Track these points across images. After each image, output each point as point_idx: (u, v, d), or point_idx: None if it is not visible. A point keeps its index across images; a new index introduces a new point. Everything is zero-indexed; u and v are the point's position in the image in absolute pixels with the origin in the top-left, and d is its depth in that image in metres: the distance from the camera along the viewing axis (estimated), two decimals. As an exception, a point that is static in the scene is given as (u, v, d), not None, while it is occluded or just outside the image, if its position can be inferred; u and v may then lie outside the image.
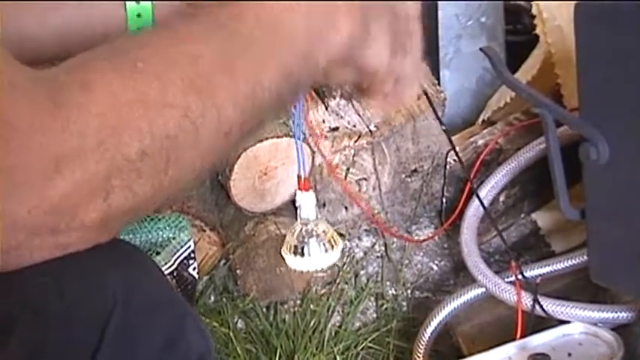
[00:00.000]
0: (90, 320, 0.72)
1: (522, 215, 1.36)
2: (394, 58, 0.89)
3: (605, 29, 1.06)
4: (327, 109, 1.32)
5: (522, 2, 1.61)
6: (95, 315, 0.71)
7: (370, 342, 1.31)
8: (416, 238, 1.36)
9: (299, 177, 0.91)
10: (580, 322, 1.16)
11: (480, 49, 1.19)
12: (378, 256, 1.38)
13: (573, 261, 1.19)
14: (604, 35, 1.07)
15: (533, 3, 1.41)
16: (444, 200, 1.37)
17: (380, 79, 0.91)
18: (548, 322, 1.18)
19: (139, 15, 1.06)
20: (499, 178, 1.28)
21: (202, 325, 0.78)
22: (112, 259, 0.75)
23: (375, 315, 1.35)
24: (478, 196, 1.26)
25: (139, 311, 0.73)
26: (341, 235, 1.34)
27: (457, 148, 1.32)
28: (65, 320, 0.71)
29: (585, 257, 1.16)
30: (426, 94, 1.33)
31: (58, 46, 1.08)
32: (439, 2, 1.50)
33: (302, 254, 0.97)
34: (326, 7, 0.83)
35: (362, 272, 1.37)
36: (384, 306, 1.35)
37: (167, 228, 1.12)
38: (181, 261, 1.14)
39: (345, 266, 1.36)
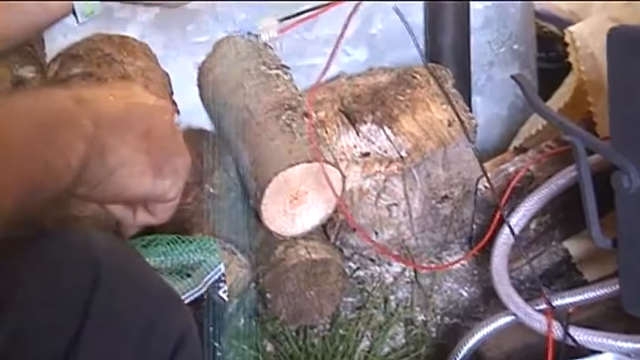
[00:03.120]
0: (72, 302, 0.71)
1: (553, 243, 1.36)
2: (158, 181, 0.86)
3: (636, 56, 1.06)
4: (358, 134, 1.32)
5: (555, 30, 1.62)
6: (78, 296, 0.71)
7: (399, 367, 1.30)
8: (446, 263, 1.36)
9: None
10: (612, 353, 1.14)
11: (512, 76, 1.21)
12: (407, 282, 1.37)
13: (605, 290, 1.18)
14: (637, 63, 1.07)
15: (566, 30, 1.41)
16: (475, 227, 1.36)
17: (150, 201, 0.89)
18: (579, 352, 1.17)
19: None
20: (530, 205, 1.28)
21: (183, 304, 0.80)
22: (94, 244, 0.75)
23: (404, 340, 1.35)
24: (509, 224, 1.25)
25: (121, 293, 0.73)
26: (371, 260, 1.35)
27: (488, 175, 1.33)
28: (47, 302, 0.72)
29: (618, 286, 1.14)
30: (460, 120, 1.34)
31: (3, 42, 1.08)
32: (471, 29, 1.50)
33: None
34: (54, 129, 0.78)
35: (391, 297, 1.36)
36: (414, 332, 1.35)
37: (198, 251, 1.11)
38: (212, 284, 1.14)
39: (374, 291, 1.35)
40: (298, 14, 1.26)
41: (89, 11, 1.08)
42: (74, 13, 1.08)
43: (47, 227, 0.86)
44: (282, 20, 1.26)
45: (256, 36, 1.43)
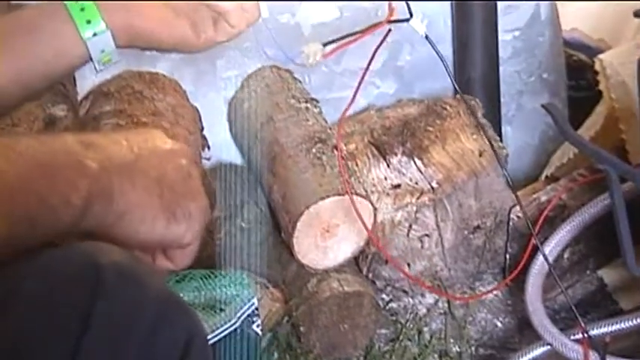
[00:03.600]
0: (75, 305, 0.70)
1: (588, 272, 1.35)
2: (172, 226, 0.86)
3: None
4: (388, 166, 1.32)
5: (584, 58, 1.62)
6: (80, 300, 0.70)
7: (434, 399, 1.29)
8: (479, 293, 1.36)
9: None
10: (648, 382, 1.13)
11: (542, 105, 1.21)
12: (441, 313, 1.36)
13: (642, 319, 1.17)
14: None
15: (596, 59, 1.42)
16: (508, 257, 1.35)
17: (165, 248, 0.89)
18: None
19: (88, 22, 1.05)
20: (563, 234, 1.28)
21: (188, 309, 0.77)
22: (95, 250, 0.74)
23: (439, 372, 1.34)
24: (543, 253, 1.25)
25: (125, 297, 0.72)
26: (404, 291, 1.34)
27: (521, 205, 1.32)
28: (48, 310, 0.70)
29: (654, 315, 1.13)
30: (493, 149, 1.34)
31: (22, 90, 1.06)
32: (500, 59, 1.50)
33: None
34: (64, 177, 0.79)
35: (425, 329, 1.35)
36: (449, 363, 1.34)
37: (231, 285, 1.11)
38: (245, 318, 1.14)
39: (408, 323, 1.34)
40: (341, 38, 1.28)
41: (106, 59, 1.09)
42: (92, 60, 1.09)
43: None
44: (326, 45, 1.26)
45: (290, 71, 1.44)
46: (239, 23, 1.15)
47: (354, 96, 1.28)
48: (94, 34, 1.06)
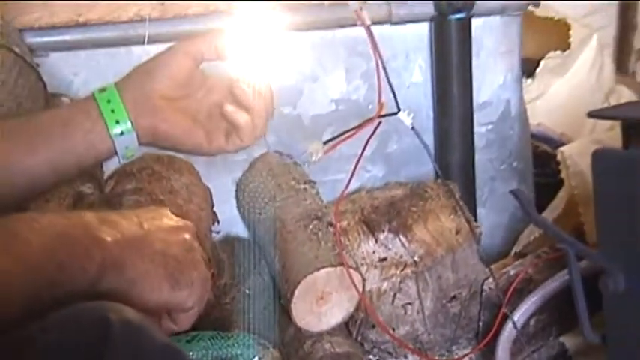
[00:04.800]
0: (86, 356, 0.69)
1: (551, 338, 1.33)
2: (176, 292, 0.87)
3: (618, 175, 1.07)
4: (376, 241, 1.32)
5: (548, 149, 1.61)
6: (91, 352, 0.69)
7: None
8: (455, 356, 1.34)
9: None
10: None
11: (511, 191, 1.20)
12: (422, 373, 1.34)
13: (598, 381, 1.16)
14: (617, 180, 1.07)
15: (559, 151, 1.43)
16: (481, 323, 1.34)
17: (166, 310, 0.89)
18: None
19: (117, 122, 1.06)
20: (529, 304, 1.27)
21: None
22: (105, 306, 0.73)
23: None
24: (512, 320, 1.26)
25: (132, 349, 0.72)
26: (389, 353, 1.33)
27: (493, 277, 1.32)
28: (63, 355, 0.69)
29: (610, 378, 1.12)
30: (470, 228, 1.35)
31: (55, 176, 1.06)
32: (475, 149, 1.50)
33: None
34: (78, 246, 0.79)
35: (408, 387, 1.34)
36: (429, 419, 1.31)
37: (236, 345, 1.10)
38: (248, 374, 1.13)
39: (392, 382, 1.33)
40: (339, 136, 1.30)
41: (130, 155, 1.10)
42: (117, 154, 1.10)
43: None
44: (325, 143, 1.29)
45: (290, 156, 1.44)
46: (248, 139, 1.13)
47: (350, 180, 1.27)
48: (121, 133, 1.05)
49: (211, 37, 1.10)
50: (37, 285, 0.76)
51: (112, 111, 1.05)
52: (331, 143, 1.25)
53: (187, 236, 0.93)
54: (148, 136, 1.08)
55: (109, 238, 0.82)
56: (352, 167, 1.32)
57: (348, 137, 1.25)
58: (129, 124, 1.05)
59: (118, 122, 1.05)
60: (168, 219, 0.94)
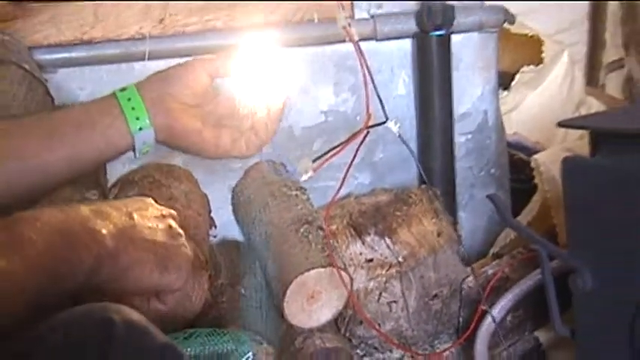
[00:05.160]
0: (91, 355, 0.70)
1: (526, 333, 1.33)
2: (164, 276, 0.90)
3: (586, 180, 1.08)
4: (363, 244, 1.32)
5: (524, 157, 1.60)
6: (96, 351, 0.70)
7: None
8: (437, 350, 1.33)
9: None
10: None
11: (487, 196, 1.20)
12: (406, 366, 1.34)
13: (570, 373, 1.16)
14: (585, 185, 1.08)
15: (532, 158, 1.43)
16: (461, 320, 1.34)
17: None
18: None
19: (137, 118, 1.08)
20: (506, 301, 1.28)
21: (186, 355, 0.78)
22: (109, 308, 0.74)
23: (404, 418, 1.32)
24: (492, 315, 1.26)
25: (133, 347, 0.73)
26: (375, 348, 1.33)
27: (472, 276, 1.33)
28: (69, 355, 0.70)
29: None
30: (452, 232, 1.35)
31: (72, 172, 1.08)
32: (456, 157, 1.50)
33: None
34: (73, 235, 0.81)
35: (393, 379, 1.33)
36: (413, 410, 1.31)
37: (231, 341, 1.10)
38: (243, 369, 1.13)
39: (378, 374, 1.32)
40: (326, 153, 1.30)
41: (145, 150, 1.11)
42: (133, 150, 1.11)
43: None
44: (314, 160, 1.29)
45: (283, 165, 1.44)
46: (253, 148, 1.17)
47: (340, 188, 1.28)
48: (140, 129, 1.07)
49: (226, 56, 1.14)
50: (42, 282, 0.77)
51: (133, 108, 1.07)
52: (320, 161, 1.26)
53: (172, 223, 0.95)
54: (164, 133, 1.10)
55: (103, 230, 0.84)
56: (342, 175, 1.32)
57: (337, 153, 1.25)
58: (147, 121, 1.07)
59: (137, 119, 1.07)
60: (154, 208, 0.96)
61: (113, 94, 1.10)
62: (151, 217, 0.94)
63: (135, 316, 0.76)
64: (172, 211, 1.00)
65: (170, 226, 0.96)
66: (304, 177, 1.23)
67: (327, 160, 1.28)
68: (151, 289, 0.91)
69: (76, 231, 0.82)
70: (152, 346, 0.75)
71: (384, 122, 1.37)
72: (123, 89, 1.10)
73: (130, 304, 0.88)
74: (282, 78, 1.21)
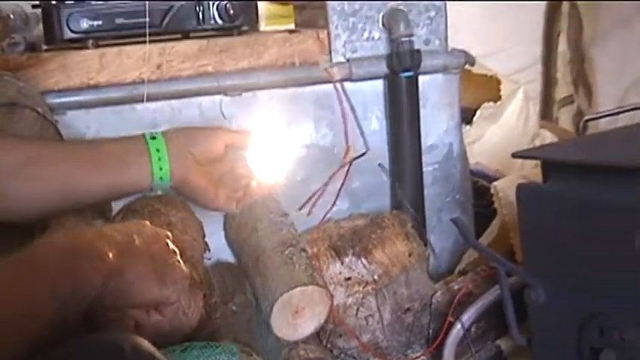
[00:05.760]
0: None
1: (489, 342, 1.34)
2: (163, 290, 0.91)
3: (538, 205, 1.09)
4: (342, 264, 1.32)
5: (485, 183, 1.60)
6: None
7: None
8: (410, 359, 1.34)
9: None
10: None
11: (451, 220, 1.21)
12: (383, 375, 1.33)
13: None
14: (537, 209, 1.09)
15: (492, 185, 1.44)
16: (431, 331, 1.34)
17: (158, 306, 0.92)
18: None
19: (161, 169, 1.14)
20: (470, 314, 1.29)
21: None
22: (119, 337, 0.74)
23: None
24: (462, 323, 1.27)
25: None
26: (354, 357, 1.32)
27: (440, 292, 1.34)
28: None
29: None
30: (422, 252, 1.36)
31: (107, 197, 1.15)
32: (425, 184, 1.50)
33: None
34: (78, 256, 0.81)
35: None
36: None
37: (222, 353, 1.08)
38: (234, 378, 1.12)
39: (356, 381, 1.32)
40: (312, 196, 1.35)
41: (155, 193, 1.18)
42: (149, 191, 1.18)
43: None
44: (300, 208, 1.36)
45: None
46: (240, 202, 1.27)
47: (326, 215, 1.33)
48: (161, 178, 1.14)
49: (245, 135, 1.25)
50: (58, 305, 0.77)
51: (159, 159, 1.13)
52: (308, 205, 1.28)
53: (167, 241, 0.97)
54: (177, 184, 1.17)
55: (109, 251, 0.84)
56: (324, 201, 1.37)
57: (321, 194, 1.27)
58: (168, 173, 1.13)
59: (161, 169, 1.13)
60: (149, 229, 0.97)
61: (144, 139, 1.15)
62: (148, 237, 0.95)
63: (145, 345, 0.76)
64: (167, 232, 1.02)
65: (166, 244, 0.97)
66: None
67: (311, 201, 1.32)
68: (151, 302, 0.92)
69: (87, 253, 0.83)
70: None
71: (364, 153, 1.40)
72: (153, 137, 1.15)
73: (131, 317, 0.92)
74: (279, 163, 1.32)
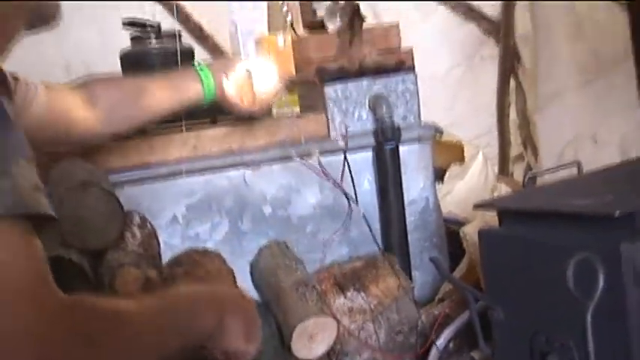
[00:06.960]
0: None
1: (464, 354, 1.34)
2: (248, 345, 0.88)
3: (495, 244, 1.12)
4: (345, 297, 1.34)
5: (456, 228, 1.58)
6: None
7: None
8: None
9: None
10: None
11: (430, 258, 1.27)
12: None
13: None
14: (495, 248, 1.12)
15: (461, 230, 1.46)
16: (418, 347, 1.35)
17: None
18: None
19: (209, 87, 1.31)
20: (448, 333, 1.31)
21: None
22: None
23: None
24: (436, 345, 1.29)
25: None
26: None
27: (424, 316, 1.36)
28: None
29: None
30: (408, 286, 1.37)
31: (150, 120, 1.26)
32: (408, 231, 1.50)
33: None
34: (199, 304, 0.81)
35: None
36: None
37: None
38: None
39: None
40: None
41: (203, 103, 1.34)
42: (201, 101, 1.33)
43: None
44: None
45: (285, 243, 1.45)
46: (257, 106, 1.36)
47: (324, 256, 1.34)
48: (209, 92, 1.29)
49: (259, 63, 1.37)
50: (183, 340, 0.80)
51: (207, 82, 1.29)
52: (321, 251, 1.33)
53: (251, 301, 0.97)
54: (218, 97, 1.31)
55: (218, 307, 0.86)
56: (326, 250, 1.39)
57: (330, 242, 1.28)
58: (213, 90, 1.30)
59: (208, 87, 1.30)
60: (236, 291, 1.01)
61: (194, 70, 1.30)
62: (239, 296, 0.95)
63: None
64: (248, 294, 1.01)
65: (252, 304, 0.96)
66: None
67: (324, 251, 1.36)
68: (236, 351, 0.90)
69: (208, 302, 0.85)
70: None
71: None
72: (201, 69, 1.30)
73: (216, 357, 0.91)
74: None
